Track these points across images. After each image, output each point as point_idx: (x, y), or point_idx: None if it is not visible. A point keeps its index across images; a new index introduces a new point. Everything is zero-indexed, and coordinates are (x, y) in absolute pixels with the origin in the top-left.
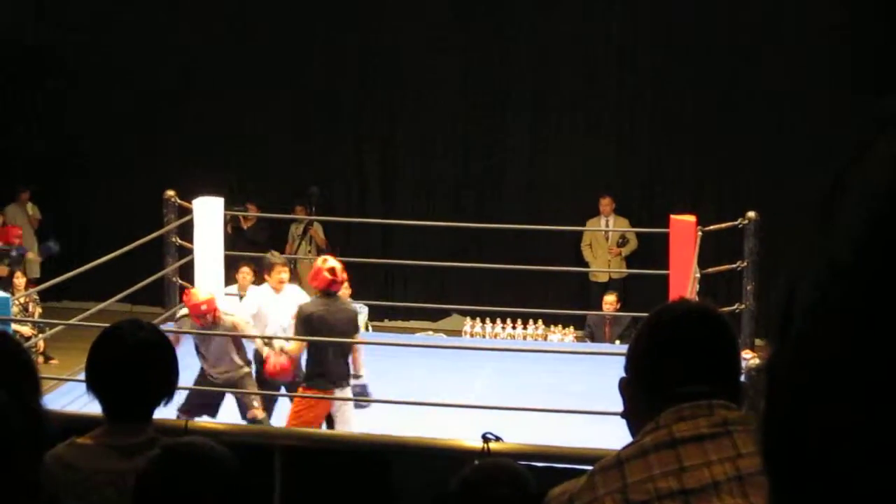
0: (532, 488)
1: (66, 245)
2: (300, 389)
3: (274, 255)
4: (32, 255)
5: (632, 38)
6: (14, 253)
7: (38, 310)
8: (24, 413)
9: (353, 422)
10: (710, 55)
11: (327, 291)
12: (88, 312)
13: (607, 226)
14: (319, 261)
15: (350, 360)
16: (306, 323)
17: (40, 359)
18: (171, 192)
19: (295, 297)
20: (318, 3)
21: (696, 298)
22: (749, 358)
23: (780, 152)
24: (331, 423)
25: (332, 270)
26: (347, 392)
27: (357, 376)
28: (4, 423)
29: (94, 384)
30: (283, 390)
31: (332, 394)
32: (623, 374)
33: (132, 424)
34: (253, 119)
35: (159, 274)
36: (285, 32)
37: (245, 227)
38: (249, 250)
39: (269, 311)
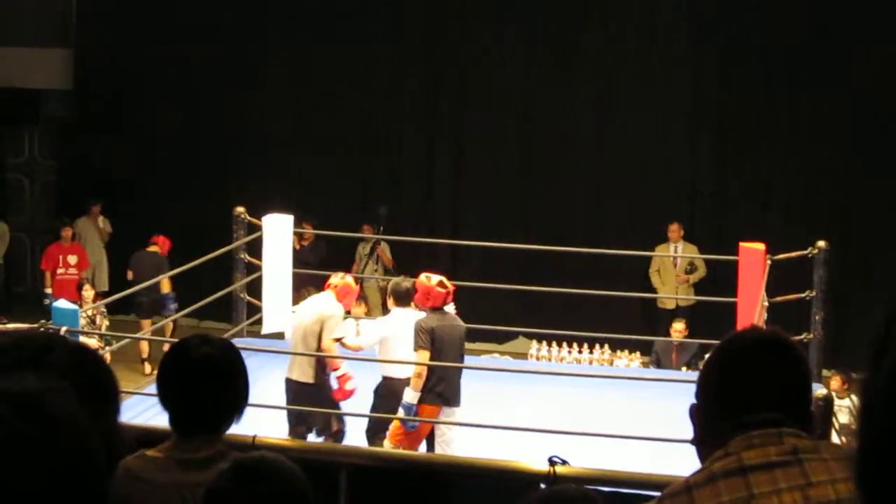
0: None
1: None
2: (422, 407)
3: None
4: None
5: (699, 61)
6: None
7: (106, 322)
8: (103, 433)
9: (455, 444)
10: (781, 82)
11: (441, 307)
12: (156, 326)
13: (676, 252)
14: (423, 279)
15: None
16: (432, 336)
17: (147, 367)
18: (240, 209)
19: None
20: (387, 25)
21: (764, 326)
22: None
23: (853, 181)
24: (431, 444)
25: (442, 284)
26: (456, 413)
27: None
28: (88, 451)
29: (163, 397)
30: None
31: (442, 412)
32: (693, 401)
33: (200, 438)
34: (320, 138)
35: (227, 290)
36: (354, 52)
37: (299, 246)
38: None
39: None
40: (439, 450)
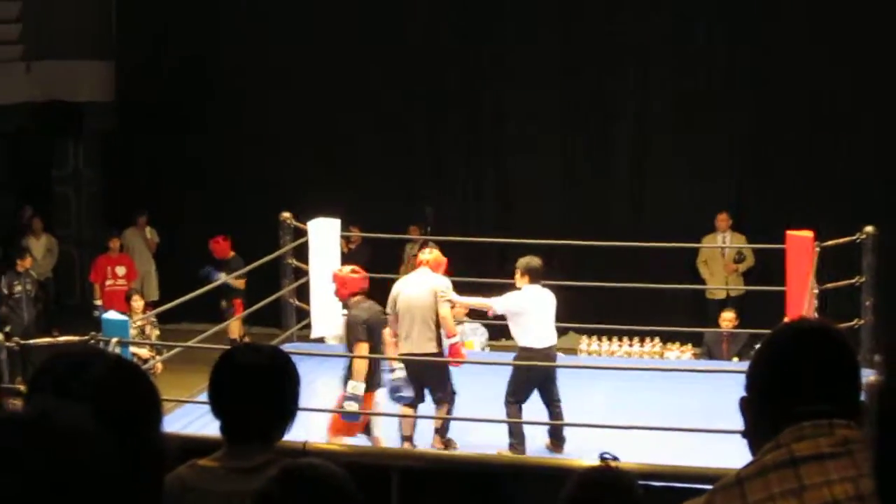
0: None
1: (184, 268)
2: (366, 396)
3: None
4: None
5: (748, 51)
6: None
7: (156, 332)
8: (142, 445)
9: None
10: (826, 68)
11: (359, 293)
12: (206, 334)
13: (724, 242)
14: (336, 270)
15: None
16: (367, 328)
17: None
18: (286, 214)
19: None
20: (428, 25)
21: (814, 314)
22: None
23: None
24: (367, 430)
25: (355, 271)
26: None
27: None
28: (95, 469)
29: (213, 406)
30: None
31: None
32: (744, 393)
33: (251, 446)
34: (366, 140)
35: (276, 295)
36: (400, 53)
37: (346, 250)
38: None
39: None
40: (376, 432)
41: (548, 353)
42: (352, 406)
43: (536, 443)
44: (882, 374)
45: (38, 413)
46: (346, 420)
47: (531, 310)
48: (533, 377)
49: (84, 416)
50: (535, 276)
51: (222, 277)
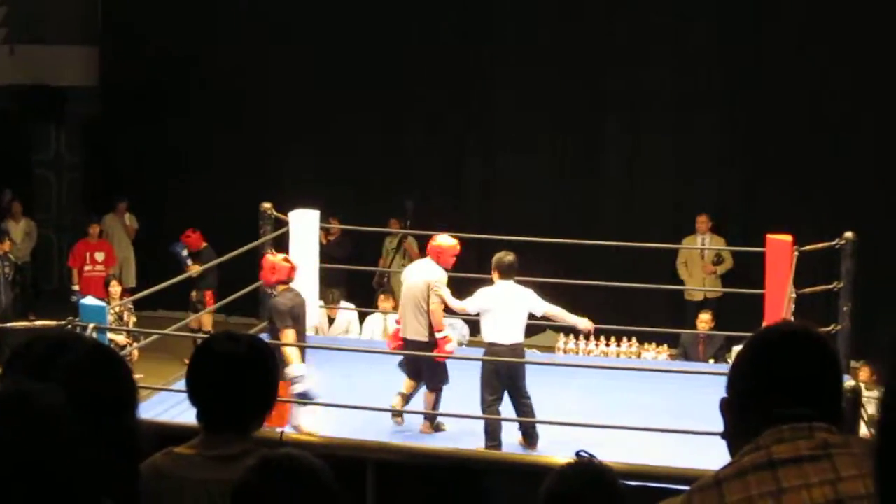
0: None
1: (161, 256)
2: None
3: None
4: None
5: (730, 55)
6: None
7: (133, 319)
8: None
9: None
10: (808, 72)
11: (287, 281)
12: (182, 322)
13: (703, 244)
14: (268, 256)
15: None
16: (292, 315)
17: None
18: (267, 205)
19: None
20: (416, 23)
21: (792, 318)
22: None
23: (880, 172)
24: None
25: (286, 259)
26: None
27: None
28: (69, 449)
29: (191, 394)
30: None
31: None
32: (724, 395)
33: (228, 434)
34: (346, 133)
35: (255, 285)
36: (381, 39)
37: (326, 241)
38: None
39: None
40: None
41: (514, 349)
42: (302, 388)
43: (509, 439)
44: (885, 376)
45: (11, 393)
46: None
47: (497, 306)
48: (500, 371)
49: (58, 397)
50: (505, 272)
51: (186, 254)
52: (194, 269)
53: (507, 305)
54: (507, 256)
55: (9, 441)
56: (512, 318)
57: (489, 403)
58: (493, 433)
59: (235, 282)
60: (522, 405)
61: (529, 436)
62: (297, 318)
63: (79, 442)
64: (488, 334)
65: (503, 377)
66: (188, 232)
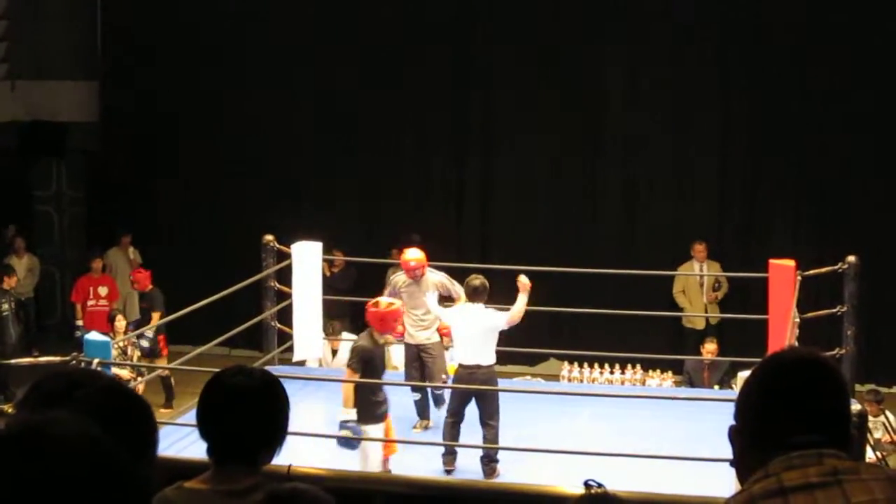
0: None
1: (166, 288)
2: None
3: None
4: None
5: (727, 81)
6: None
7: (137, 353)
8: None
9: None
10: (807, 97)
11: None
12: (187, 357)
13: (701, 271)
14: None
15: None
16: None
17: None
18: (269, 237)
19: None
20: (413, 47)
21: (796, 343)
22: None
23: (881, 196)
24: None
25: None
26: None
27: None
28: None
29: (201, 428)
30: None
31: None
32: (732, 422)
33: (238, 469)
34: (348, 165)
35: (258, 318)
36: (379, 75)
37: (329, 273)
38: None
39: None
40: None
41: (472, 372)
42: (347, 432)
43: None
44: None
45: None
46: (342, 447)
47: (454, 326)
48: (465, 392)
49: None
50: (472, 295)
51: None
52: (156, 317)
53: (461, 327)
54: (475, 280)
55: (27, 480)
56: (466, 341)
57: (449, 425)
58: (449, 448)
59: (239, 315)
60: (488, 429)
61: (490, 459)
62: (366, 362)
63: (103, 469)
64: (454, 353)
65: (467, 399)
66: (140, 269)
